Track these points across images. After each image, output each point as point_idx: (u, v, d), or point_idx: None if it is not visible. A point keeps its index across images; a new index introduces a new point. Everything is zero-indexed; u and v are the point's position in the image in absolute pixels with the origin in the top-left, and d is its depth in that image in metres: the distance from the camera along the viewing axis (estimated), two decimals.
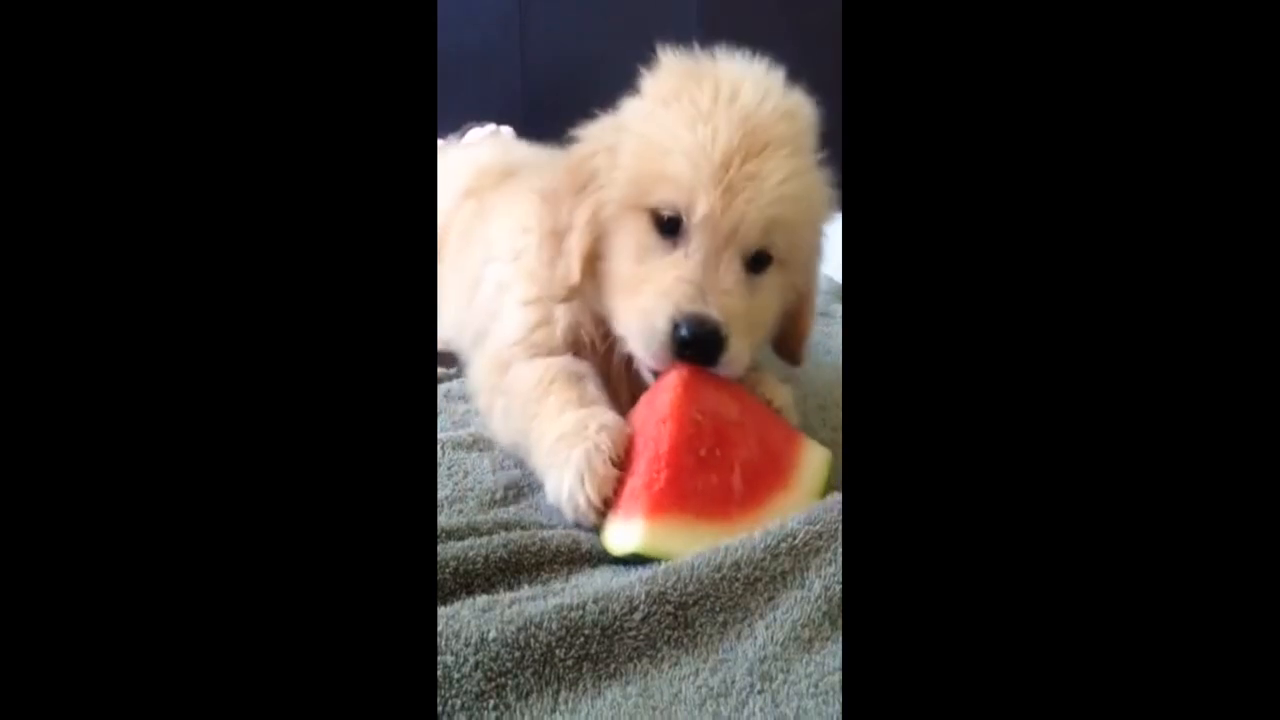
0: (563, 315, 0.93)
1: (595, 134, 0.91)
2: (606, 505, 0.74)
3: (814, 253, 0.93)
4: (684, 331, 0.78)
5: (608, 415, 0.79)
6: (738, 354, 0.80)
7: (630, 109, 0.90)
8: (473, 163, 1.35)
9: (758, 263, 0.85)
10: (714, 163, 0.80)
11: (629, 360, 0.87)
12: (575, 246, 0.86)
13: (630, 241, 0.84)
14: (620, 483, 0.74)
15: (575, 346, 0.93)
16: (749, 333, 0.83)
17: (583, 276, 0.86)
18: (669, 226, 0.83)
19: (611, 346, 0.90)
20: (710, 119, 0.82)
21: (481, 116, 2.16)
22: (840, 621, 0.63)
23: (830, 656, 0.59)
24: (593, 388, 0.86)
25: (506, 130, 2.01)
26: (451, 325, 1.15)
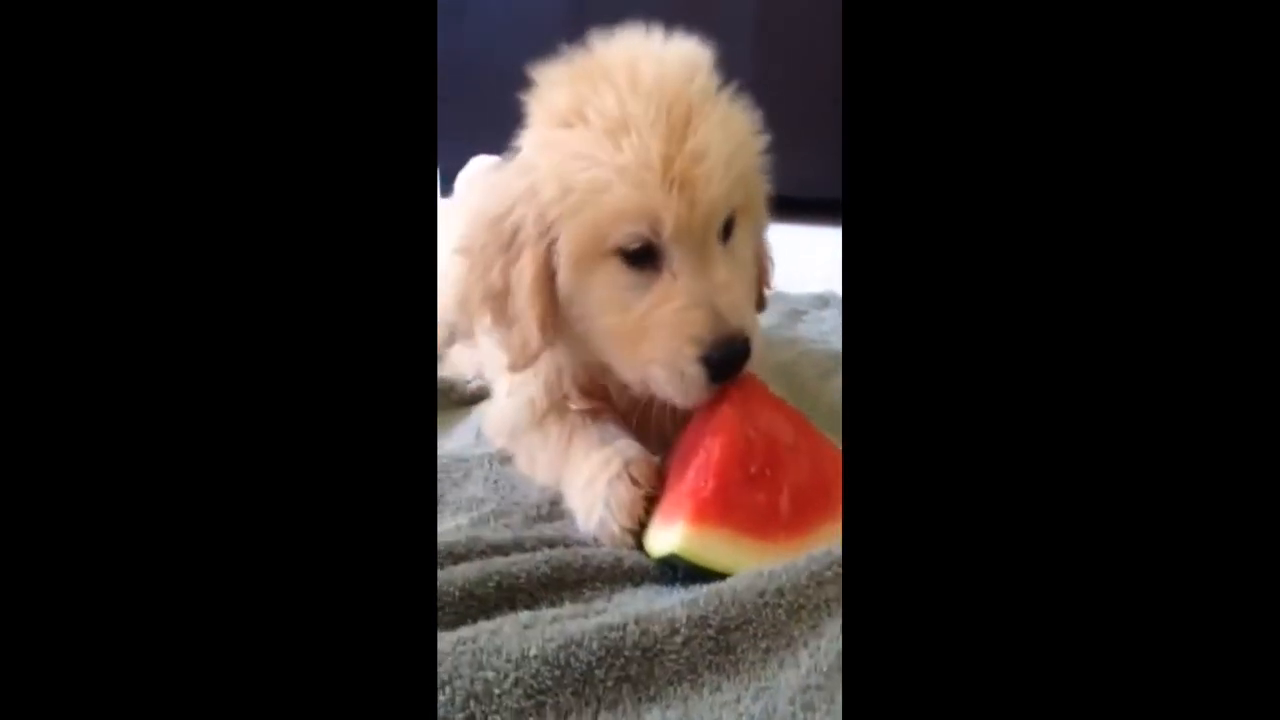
0: (538, 389, 0.88)
1: (505, 183, 0.81)
2: (641, 526, 0.74)
3: (762, 185, 0.85)
4: (716, 359, 0.73)
5: (631, 448, 0.78)
6: (757, 341, 0.76)
7: (529, 143, 0.81)
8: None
9: (728, 226, 0.79)
10: (658, 170, 0.72)
11: (640, 402, 0.82)
12: (529, 313, 0.78)
13: (605, 292, 0.76)
14: (650, 501, 0.75)
15: (559, 405, 0.89)
16: (749, 305, 0.79)
17: (551, 335, 0.80)
18: (641, 257, 0.75)
19: (608, 388, 0.86)
20: (629, 124, 0.73)
21: None
22: None
23: None
24: (612, 425, 0.84)
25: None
26: (488, 366, 1.13)
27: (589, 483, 0.78)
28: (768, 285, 0.94)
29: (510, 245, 0.78)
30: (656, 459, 0.79)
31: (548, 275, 0.78)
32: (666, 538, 0.70)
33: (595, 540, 0.76)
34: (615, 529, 0.74)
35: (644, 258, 0.75)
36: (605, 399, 0.88)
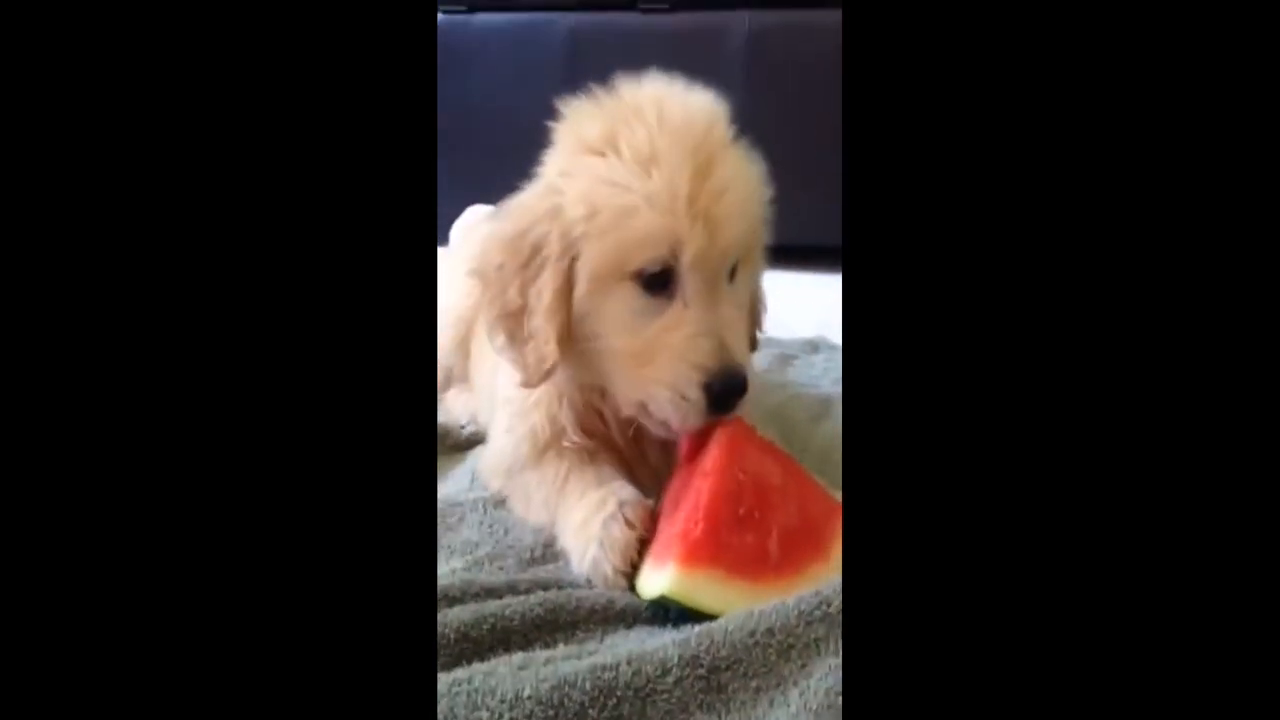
0: (540, 420, 0.90)
1: (527, 203, 0.85)
2: (633, 568, 0.75)
3: (763, 235, 0.89)
4: (718, 388, 0.76)
5: (625, 490, 0.80)
6: (750, 381, 0.79)
7: (555, 166, 0.85)
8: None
9: (732, 270, 0.83)
10: (683, 202, 0.77)
11: (631, 427, 0.86)
12: (547, 329, 0.80)
13: (619, 313, 0.80)
14: (644, 543, 0.76)
15: (558, 439, 0.90)
16: (747, 349, 0.84)
17: (565, 352, 0.82)
18: (657, 283, 0.79)
19: (606, 422, 0.89)
20: (659, 157, 0.78)
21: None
22: None
23: None
24: (608, 468, 0.86)
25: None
26: (483, 411, 1.16)
27: (584, 523, 0.79)
28: (759, 328, 0.98)
29: (529, 263, 0.81)
30: (650, 502, 0.80)
31: (567, 292, 0.81)
32: (658, 580, 0.72)
33: (588, 581, 0.77)
34: (609, 570, 0.75)
35: (659, 284, 0.79)
36: (604, 435, 0.89)
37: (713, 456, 0.76)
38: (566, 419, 0.89)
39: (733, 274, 0.83)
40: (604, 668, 0.60)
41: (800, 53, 2.24)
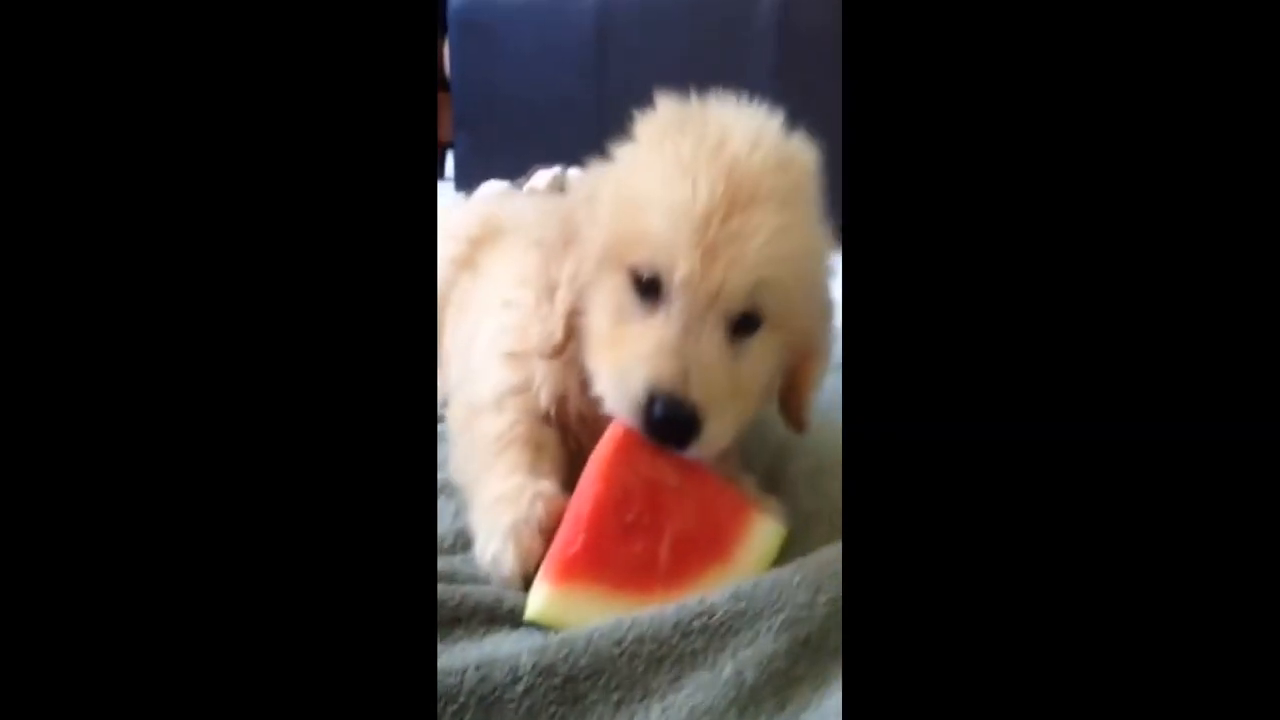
0: (546, 381, 0.87)
1: (582, 182, 0.87)
2: (531, 576, 0.71)
3: (816, 310, 0.84)
4: (658, 410, 0.71)
5: (549, 487, 0.76)
6: (715, 436, 0.73)
7: (621, 155, 0.85)
8: (464, 228, 1.28)
9: (745, 325, 0.77)
10: (694, 221, 0.73)
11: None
12: (560, 303, 0.81)
13: (609, 300, 0.79)
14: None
15: (561, 417, 0.87)
16: (732, 407, 0.75)
17: (569, 334, 0.82)
18: (648, 288, 0.76)
19: (599, 419, 0.84)
20: (691, 171, 0.75)
21: (563, 160, 2.19)
22: (748, 712, 0.58)
23: None
24: (548, 463, 0.82)
25: (574, 173, 2.02)
26: (450, 384, 1.13)
27: (496, 502, 0.76)
28: (805, 401, 0.88)
29: (570, 242, 0.83)
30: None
31: (582, 275, 0.81)
32: (532, 600, 0.67)
33: (488, 576, 0.74)
34: (506, 571, 0.72)
35: (651, 290, 0.76)
36: (593, 421, 0.85)
37: (603, 461, 0.70)
38: (572, 385, 0.86)
39: (752, 329, 0.77)
40: (448, 672, 0.57)
41: (831, 22, 2.14)
